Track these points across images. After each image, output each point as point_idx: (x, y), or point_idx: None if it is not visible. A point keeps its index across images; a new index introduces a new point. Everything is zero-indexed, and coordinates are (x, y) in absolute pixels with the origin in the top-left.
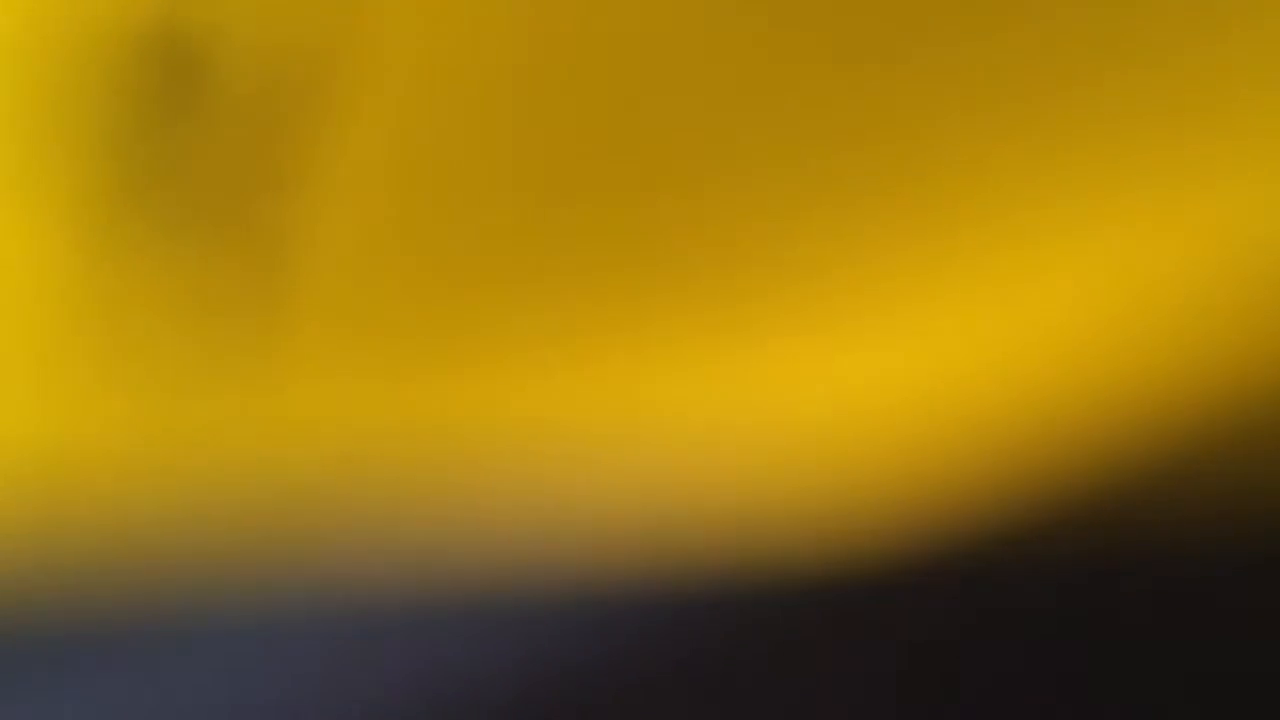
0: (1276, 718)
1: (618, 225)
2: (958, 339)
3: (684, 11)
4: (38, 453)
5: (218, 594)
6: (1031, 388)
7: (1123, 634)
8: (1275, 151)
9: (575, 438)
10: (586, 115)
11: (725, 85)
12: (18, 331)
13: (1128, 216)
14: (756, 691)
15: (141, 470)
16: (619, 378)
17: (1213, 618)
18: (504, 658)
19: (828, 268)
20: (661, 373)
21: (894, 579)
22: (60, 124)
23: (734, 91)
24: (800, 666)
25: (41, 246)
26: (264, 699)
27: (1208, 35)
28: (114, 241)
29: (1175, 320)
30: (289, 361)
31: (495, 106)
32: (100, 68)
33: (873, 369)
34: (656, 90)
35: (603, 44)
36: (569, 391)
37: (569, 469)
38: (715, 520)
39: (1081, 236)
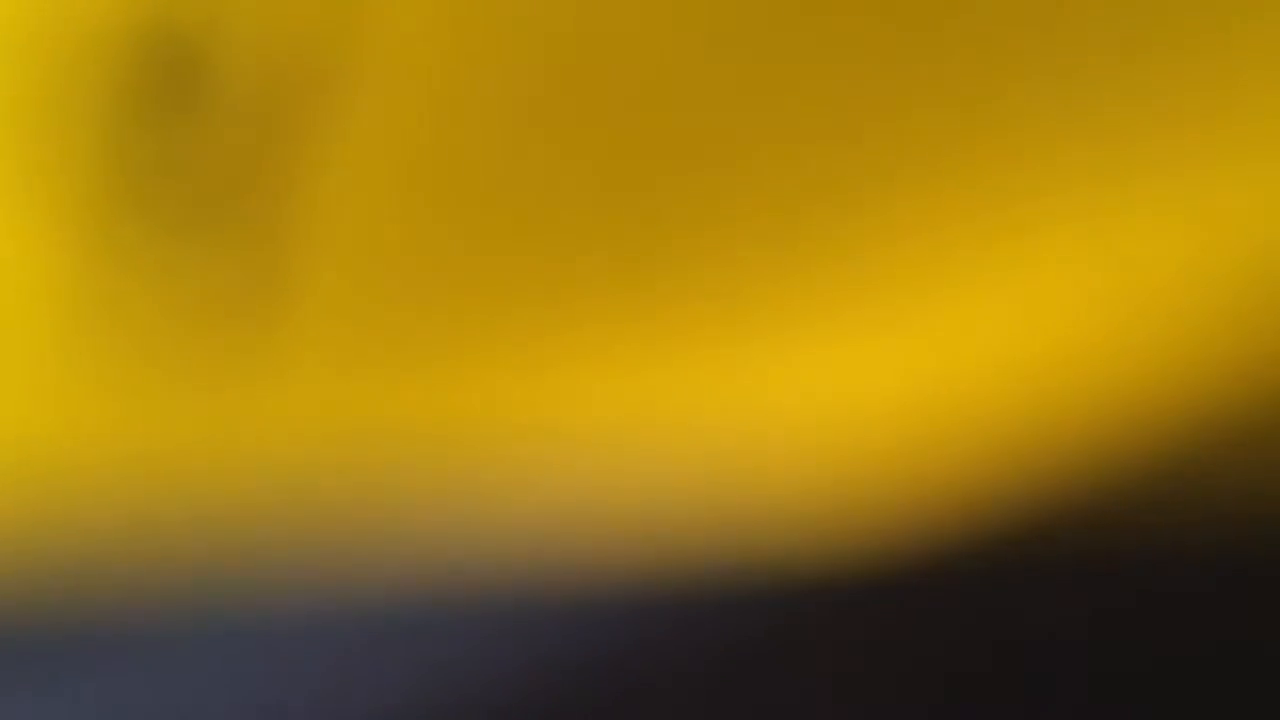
0: (1276, 718)
1: (617, 225)
2: (958, 339)
3: (684, 12)
4: (38, 453)
5: (218, 594)
6: (1032, 388)
7: (1122, 634)
8: (1278, 146)
9: (575, 437)
10: (586, 115)
11: (723, 84)
12: (18, 331)
13: (1128, 215)
14: (756, 691)
15: (142, 470)
16: (619, 377)
17: (1213, 618)
18: (504, 657)
19: (827, 266)
20: (661, 373)
21: (894, 579)
22: (59, 124)
23: (732, 89)
24: (800, 666)
25: (41, 246)
26: (264, 698)
27: (1209, 29)
28: (113, 241)
29: (1176, 319)
30: (289, 361)
31: (494, 107)
32: (99, 67)
33: (873, 369)
34: (655, 89)
35: (602, 43)
36: (569, 391)
37: (569, 468)
38: (715, 520)
39: (1082, 236)
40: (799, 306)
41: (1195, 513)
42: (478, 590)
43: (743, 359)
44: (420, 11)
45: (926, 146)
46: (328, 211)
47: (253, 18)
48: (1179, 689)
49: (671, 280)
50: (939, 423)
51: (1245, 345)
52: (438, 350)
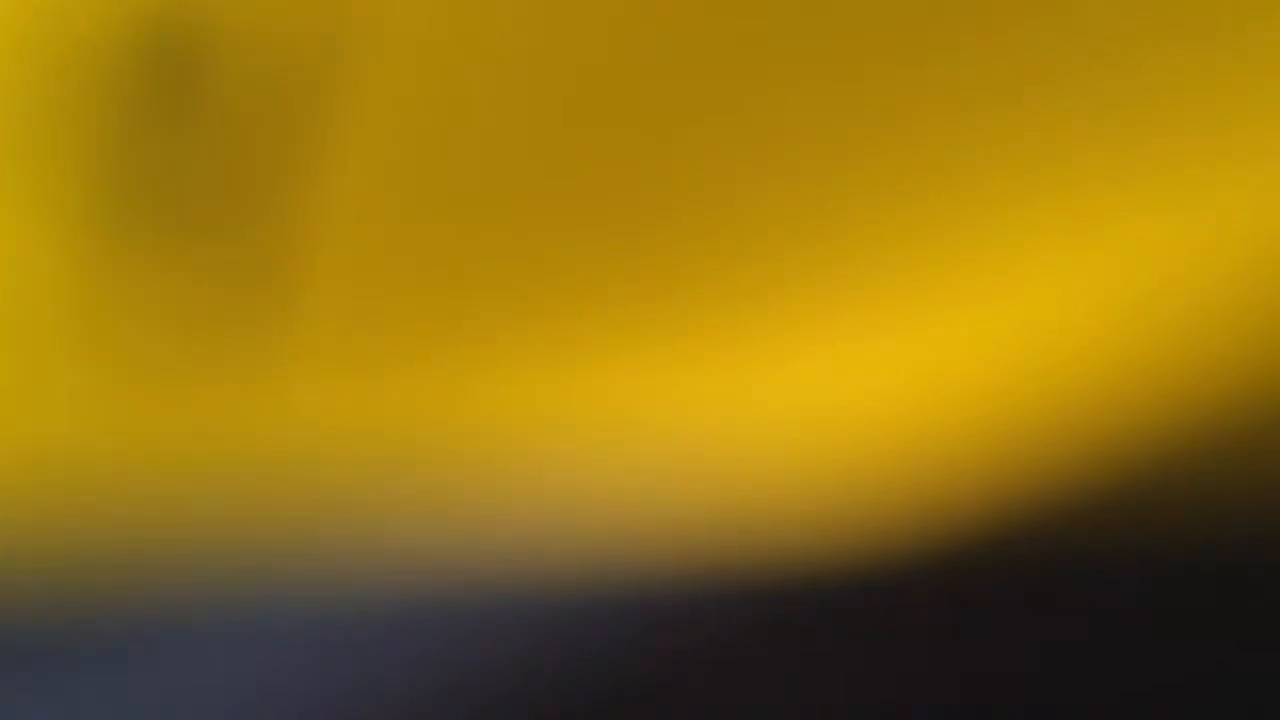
0: (1274, 717)
1: (619, 226)
2: (957, 340)
3: (687, 12)
4: (38, 453)
5: (217, 592)
6: (1032, 389)
7: (1121, 634)
8: (1278, 146)
9: (576, 436)
10: (586, 115)
11: (726, 85)
12: (18, 332)
13: (1128, 216)
14: (756, 689)
15: (141, 470)
16: (619, 378)
17: (1212, 617)
18: (504, 654)
19: (828, 269)
20: (661, 374)
21: (892, 578)
22: (60, 126)
23: (735, 91)
24: (800, 665)
25: (42, 247)
26: (263, 695)
27: (1209, 32)
28: (114, 242)
29: (1177, 319)
30: (289, 361)
31: (494, 106)
32: (100, 70)
33: (873, 370)
34: (656, 94)
35: (602, 43)
36: (570, 390)
37: (570, 467)
38: (716, 519)
39: (1082, 237)
40: (800, 308)
41: (1195, 512)
42: (478, 587)
43: (742, 360)
44: (418, 14)
45: (925, 150)
46: (328, 212)
47: (252, 20)
48: (1178, 688)
49: (672, 283)
50: (938, 423)
51: (1245, 345)
52: (437, 350)
